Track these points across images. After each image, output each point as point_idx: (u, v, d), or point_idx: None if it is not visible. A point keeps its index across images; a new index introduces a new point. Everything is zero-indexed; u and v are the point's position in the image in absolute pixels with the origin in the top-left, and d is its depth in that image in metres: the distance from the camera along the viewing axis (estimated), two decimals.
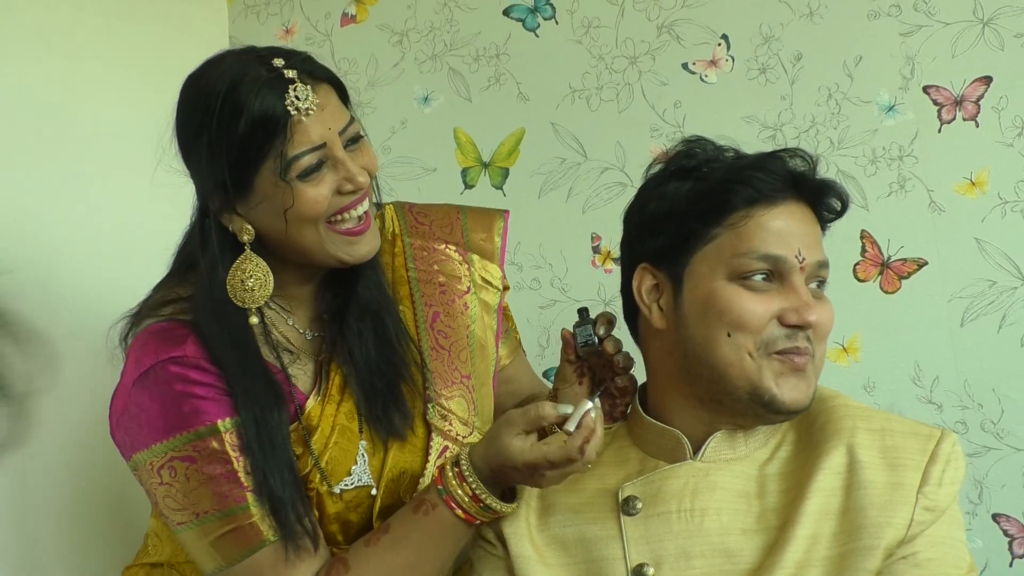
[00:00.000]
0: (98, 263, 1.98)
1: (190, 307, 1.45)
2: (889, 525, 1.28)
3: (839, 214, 1.41)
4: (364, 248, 1.45)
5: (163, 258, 1.54)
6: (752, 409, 1.34)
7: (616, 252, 2.14)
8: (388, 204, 1.64)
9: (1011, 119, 1.93)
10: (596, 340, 1.50)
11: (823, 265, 1.37)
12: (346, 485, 1.48)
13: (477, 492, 1.36)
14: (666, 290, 1.38)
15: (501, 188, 2.23)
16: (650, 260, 1.40)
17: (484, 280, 1.65)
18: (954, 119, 1.97)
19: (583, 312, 1.53)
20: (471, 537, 1.44)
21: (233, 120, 1.35)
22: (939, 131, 1.98)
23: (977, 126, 1.95)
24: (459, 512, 1.37)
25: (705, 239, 1.35)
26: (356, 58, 2.34)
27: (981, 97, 1.95)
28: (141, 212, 2.06)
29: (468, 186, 2.26)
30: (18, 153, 1.83)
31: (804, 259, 1.33)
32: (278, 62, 1.38)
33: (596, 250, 2.17)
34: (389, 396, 1.51)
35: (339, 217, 1.42)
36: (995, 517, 1.91)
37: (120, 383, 1.45)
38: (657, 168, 1.43)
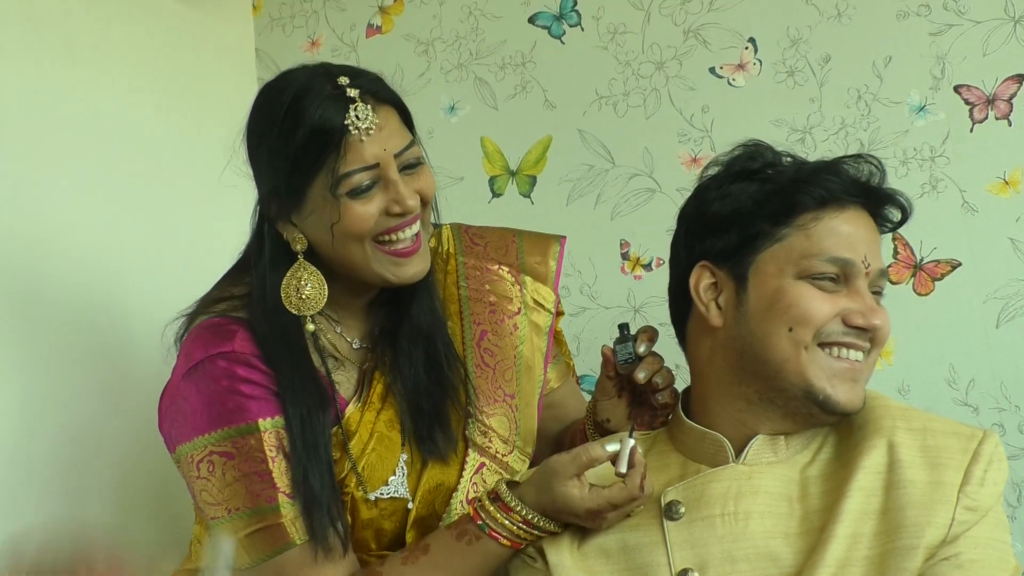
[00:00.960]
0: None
1: (243, 304, 1.48)
2: (929, 525, 1.26)
3: (897, 225, 1.43)
4: (412, 270, 1.46)
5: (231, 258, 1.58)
6: (805, 408, 1.34)
7: (645, 258, 2.13)
8: (446, 225, 1.65)
9: None
10: (636, 358, 1.50)
11: (884, 274, 1.40)
12: (382, 494, 1.49)
13: (528, 517, 1.37)
14: (726, 288, 1.39)
15: (529, 196, 2.23)
16: (712, 259, 1.40)
17: (536, 302, 1.65)
18: (986, 118, 1.95)
19: (624, 328, 1.53)
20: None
21: (293, 129, 1.38)
22: (971, 131, 1.96)
23: (1010, 125, 1.93)
24: (504, 540, 1.38)
25: (773, 239, 1.36)
26: (382, 69, 2.27)
27: (1014, 96, 1.94)
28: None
29: (496, 195, 2.25)
30: (46, 163, 1.84)
31: (870, 265, 1.36)
32: (343, 80, 1.41)
33: (625, 256, 2.16)
34: (435, 418, 1.52)
35: (387, 237, 1.43)
36: None
37: (171, 377, 1.48)
38: (715, 170, 1.45)
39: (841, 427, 1.39)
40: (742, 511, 1.32)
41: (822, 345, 1.33)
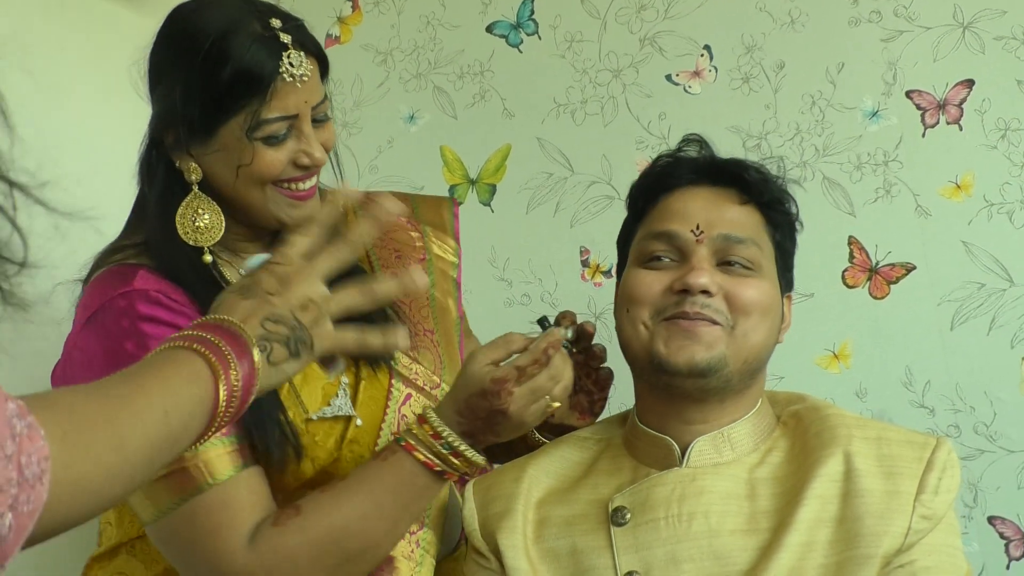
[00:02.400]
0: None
1: (140, 252, 1.43)
2: (886, 534, 1.28)
3: (765, 186, 1.43)
4: (305, 211, 1.43)
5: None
6: (658, 379, 1.37)
7: (605, 265, 2.14)
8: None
9: (994, 121, 1.94)
10: (568, 344, 1.48)
11: (732, 240, 1.38)
12: (324, 413, 1.44)
13: (439, 430, 1.35)
14: None
15: (489, 204, 2.23)
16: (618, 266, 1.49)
17: (441, 251, 1.65)
18: (938, 123, 1.97)
19: (543, 321, 1.51)
20: (437, 504, 1.42)
21: (218, 66, 1.34)
22: (923, 135, 1.98)
23: (961, 129, 1.96)
24: (418, 455, 1.35)
25: (634, 237, 1.44)
26: (341, 79, 2.34)
27: (964, 100, 1.96)
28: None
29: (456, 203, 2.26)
30: None
31: (702, 232, 1.36)
32: (275, 23, 1.37)
33: (585, 264, 2.17)
34: (364, 322, 1.47)
35: (289, 185, 1.42)
36: (991, 520, 1.91)
37: (67, 339, 1.41)
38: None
39: (794, 432, 1.40)
40: (685, 512, 1.33)
41: (661, 321, 1.35)
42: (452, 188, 2.26)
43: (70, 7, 2.01)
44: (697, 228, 1.36)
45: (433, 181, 2.26)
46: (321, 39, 2.35)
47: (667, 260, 1.38)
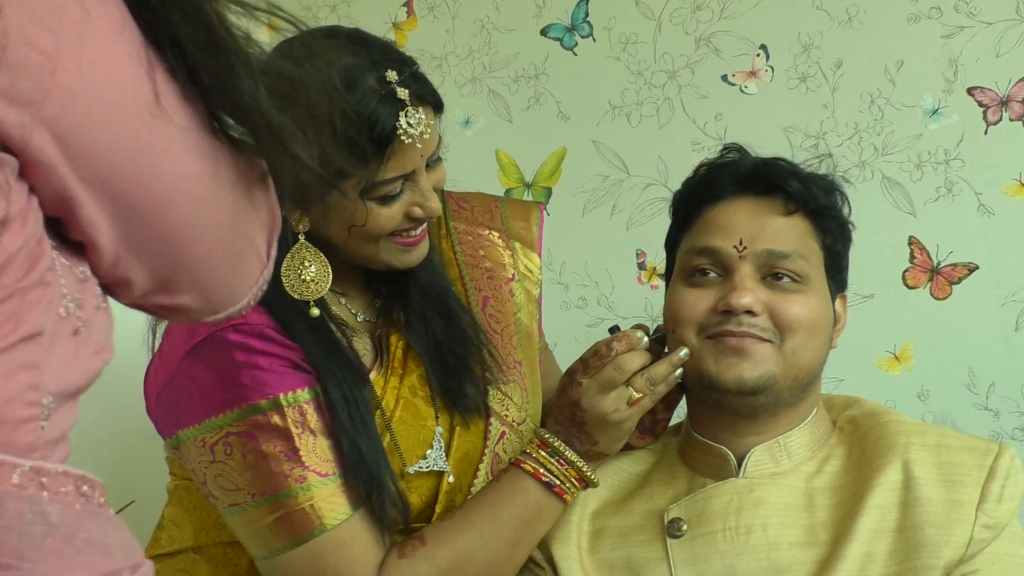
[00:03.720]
0: None
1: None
2: (947, 544, 1.26)
3: (810, 195, 1.39)
4: (417, 255, 1.42)
5: None
6: (711, 397, 1.35)
7: (661, 268, 2.13)
8: None
9: None
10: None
11: (776, 255, 1.35)
12: (421, 467, 1.43)
13: (545, 438, 1.37)
14: None
15: (545, 208, 2.23)
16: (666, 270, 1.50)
17: (527, 269, 1.63)
18: (1000, 120, 1.94)
19: (614, 330, 1.52)
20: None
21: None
22: (985, 133, 1.95)
23: None
24: (527, 466, 1.37)
25: (678, 244, 1.42)
26: None
27: None
28: None
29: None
30: None
31: (745, 248, 1.34)
32: (391, 75, 1.29)
33: (642, 266, 2.16)
34: (462, 372, 1.47)
35: (402, 233, 1.39)
36: None
37: (161, 357, 1.38)
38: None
39: (851, 439, 1.39)
40: (743, 525, 1.32)
41: (711, 338, 1.34)
42: (508, 192, 2.26)
43: None
44: (740, 243, 1.34)
45: (489, 185, 2.27)
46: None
47: (712, 275, 1.36)
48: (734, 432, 1.39)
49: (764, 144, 1.52)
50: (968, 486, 1.29)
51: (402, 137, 1.28)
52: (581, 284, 2.19)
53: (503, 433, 1.51)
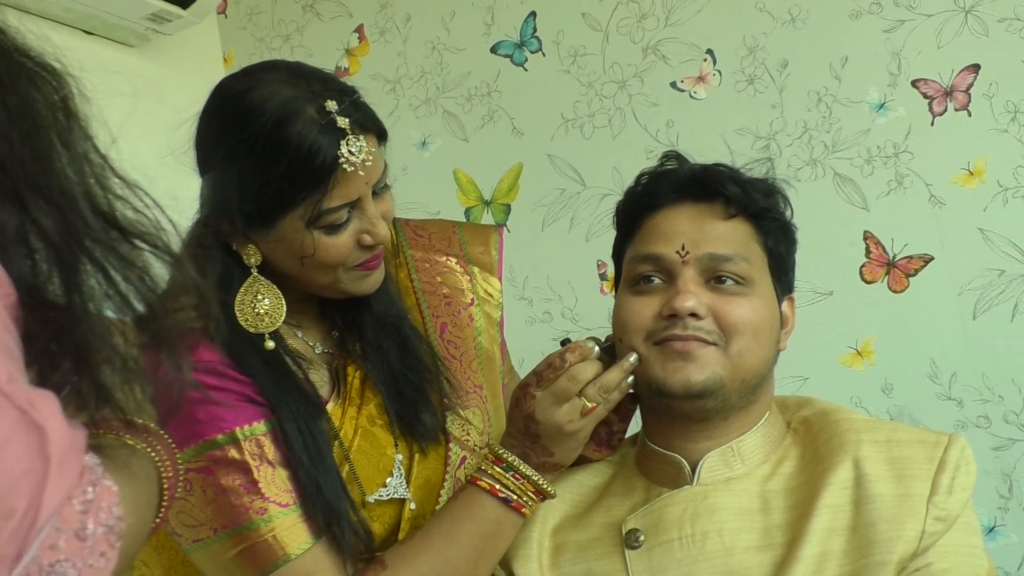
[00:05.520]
0: None
1: (197, 316, 1.40)
2: (900, 539, 1.25)
3: (749, 198, 1.38)
4: (372, 281, 1.42)
5: None
6: (661, 403, 1.35)
7: None
8: None
9: (1003, 104, 1.91)
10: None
11: (719, 258, 1.35)
12: (381, 496, 1.44)
13: (499, 453, 1.36)
14: None
15: (505, 224, 2.24)
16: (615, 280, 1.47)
17: (487, 293, 1.63)
18: (946, 110, 1.95)
19: (565, 342, 1.52)
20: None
21: (274, 158, 1.28)
22: (932, 124, 1.96)
23: (969, 115, 1.93)
24: (483, 483, 1.36)
25: (623, 255, 1.42)
26: None
27: (971, 86, 1.93)
28: None
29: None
30: None
31: (687, 253, 1.34)
32: (331, 106, 1.29)
33: (603, 277, 2.17)
34: (418, 401, 1.48)
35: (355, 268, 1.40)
36: None
37: None
38: None
39: (804, 440, 1.38)
40: (699, 532, 1.32)
41: (657, 344, 1.33)
42: (467, 211, 2.27)
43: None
44: (683, 248, 1.34)
45: (448, 205, 2.28)
46: (331, 72, 2.40)
47: (656, 282, 1.37)
48: (687, 439, 1.39)
49: (716, 148, 1.54)
50: (918, 479, 1.28)
51: (344, 166, 1.29)
52: (545, 298, 2.20)
53: (464, 458, 1.51)
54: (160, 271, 0.80)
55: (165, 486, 0.93)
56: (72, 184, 0.74)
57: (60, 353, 0.75)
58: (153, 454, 0.93)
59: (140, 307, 0.78)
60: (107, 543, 0.72)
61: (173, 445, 0.94)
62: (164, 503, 0.93)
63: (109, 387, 0.78)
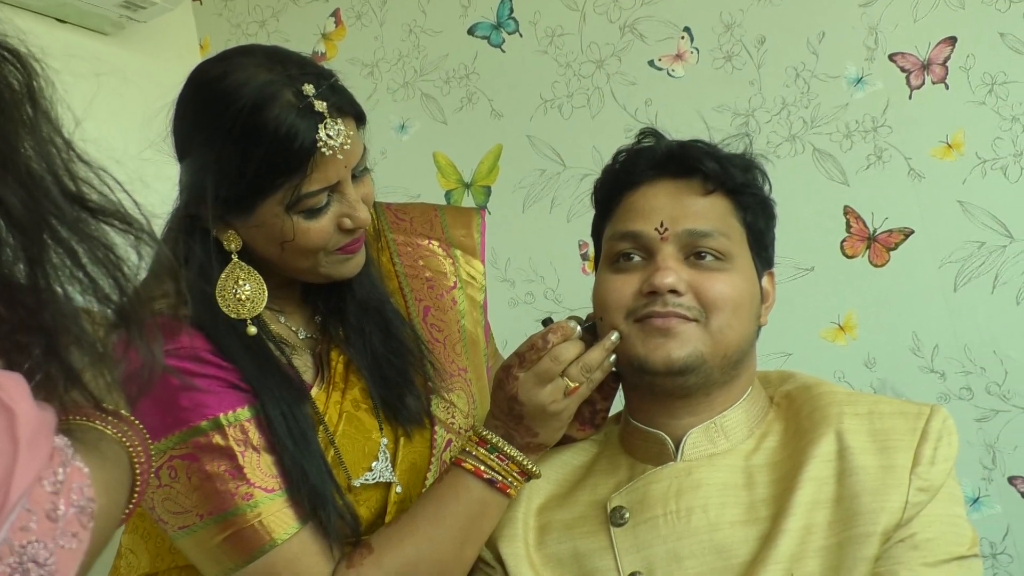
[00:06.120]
0: None
1: (181, 302, 1.35)
2: (884, 510, 1.26)
3: (727, 174, 1.39)
4: (354, 264, 1.42)
5: None
6: (643, 381, 1.35)
7: None
8: None
9: (980, 77, 1.91)
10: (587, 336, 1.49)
11: (698, 234, 1.35)
12: (367, 480, 1.44)
13: (482, 434, 1.36)
14: None
15: (485, 207, 2.24)
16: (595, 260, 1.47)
17: (469, 276, 1.63)
18: (923, 84, 1.95)
19: (547, 322, 1.52)
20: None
21: (252, 143, 1.28)
22: (910, 98, 1.96)
23: (947, 88, 1.93)
24: (467, 464, 1.36)
25: (602, 233, 1.42)
26: None
27: (948, 59, 1.93)
28: None
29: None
30: None
31: (666, 229, 1.34)
32: (308, 89, 1.29)
33: (585, 257, 2.17)
34: (402, 384, 1.48)
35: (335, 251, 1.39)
36: (1011, 480, 1.89)
37: None
38: None
39: (787, 415, 1.39)
40: (684, 508, 1.33)
41: (638, 321, 1.34)
42: (448, 194, 2.26)
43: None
44: (661, 225, 1.34)
45: (429, 188, 2.27)
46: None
47: (636, 259, 1.37)
48: (670, 415, 1.39)
49: (695, 126, 1.54)
50: (901, 451, 1.29)
51: (323, 149, 1.29)
52: (527, 280, 2.20)
53: (450, 441, 1.52)
54: (128, 253, 0.79)
55: (137, 471, 0.93)
56: (37, 165, 0.73)
57: (28, 335, 0.75)
58: (124, 439, 0.92)
59: (108, 288, 0.78)
60: (79, 524, 0.72)
61: (145, 431, 0.93)
62: (137, 487, 0.93)
63: (78, 369, 0.78)
